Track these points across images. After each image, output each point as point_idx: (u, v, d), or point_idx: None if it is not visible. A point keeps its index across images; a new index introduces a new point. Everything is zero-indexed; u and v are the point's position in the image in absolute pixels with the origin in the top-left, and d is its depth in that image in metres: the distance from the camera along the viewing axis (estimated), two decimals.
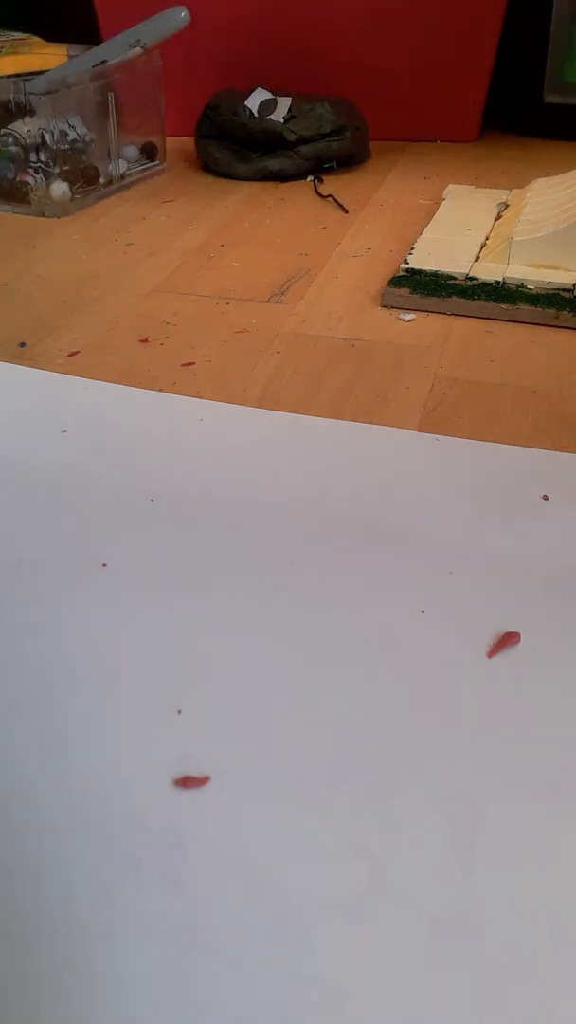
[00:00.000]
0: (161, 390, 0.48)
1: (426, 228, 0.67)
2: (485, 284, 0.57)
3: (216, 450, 0.42)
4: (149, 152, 0.88)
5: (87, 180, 0.79)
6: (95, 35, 0.96)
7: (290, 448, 0.42)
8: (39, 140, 0.74)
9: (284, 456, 0.41)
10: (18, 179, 0.77)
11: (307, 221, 0.75)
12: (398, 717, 0.28)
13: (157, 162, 0.89)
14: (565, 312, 0.54)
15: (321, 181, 0.85)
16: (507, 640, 0.31)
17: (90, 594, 0.33)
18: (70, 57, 0.86)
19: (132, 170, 0.85)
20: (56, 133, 0.74)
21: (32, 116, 0.74)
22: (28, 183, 0.76)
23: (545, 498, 0.38)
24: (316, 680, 0.29)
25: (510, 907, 0.23)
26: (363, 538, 0.36)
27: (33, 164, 0.76)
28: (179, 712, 0.28)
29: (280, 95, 0.87)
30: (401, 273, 0.60)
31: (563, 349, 0.52)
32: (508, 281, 0.57)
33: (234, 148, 0.87)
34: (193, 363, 0.51)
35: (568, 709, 0.28)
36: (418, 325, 0.55)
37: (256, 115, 0.86)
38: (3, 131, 0.76)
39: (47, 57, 0.87)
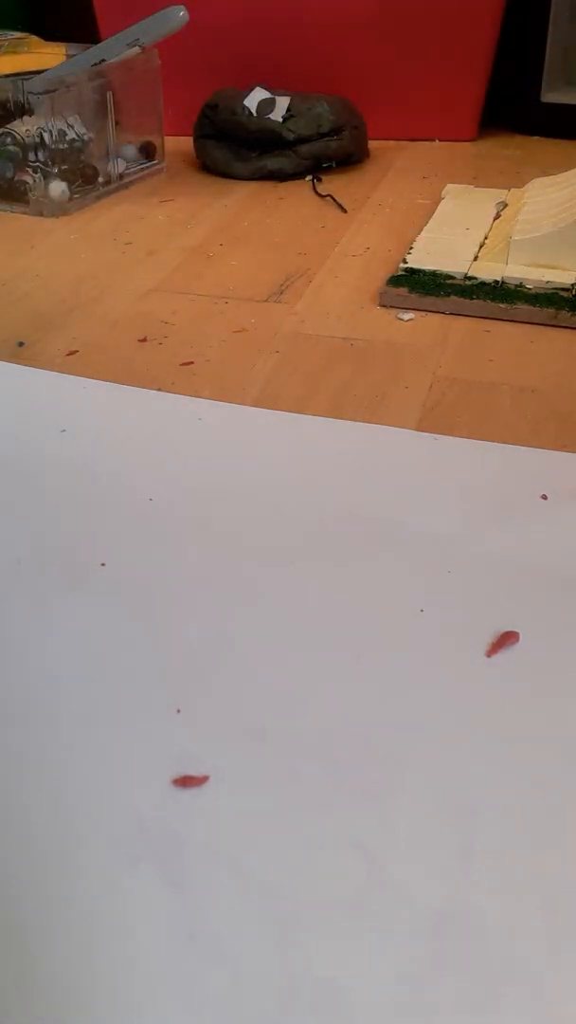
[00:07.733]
0: (160, 389, 0.48)
1: (425, 227, 0.67)
2: (484, 283, 0.57)
3: (214, 450, 0.42)
4: (148, 151, 0.88)
5: (86, 179, 0.79)
6: (94, 34, 0.96)
7: (289, 448, 0.42)
8: (38, 139, 0.74)
9: (283, 456, 0.41)
10: (17, 178, 0.77)
11: (306, 220, 0.75)
12: (397, 716, 0.28)
13: (156, 161, 0.89)
14: (564, 311, 0.54)
15: (320, 180, 0.85)
16: (506, 640, 0.31)
17: (89, 593, 0.33)
18: (68, 56, 0.86)
19: (131, 169, 0.85)
20: (55, 132, 0.74)
21: (31, 115, 0.74)
22: (27, 182, 0.76)
23: (544, 498, 0.38)
24: (315, 680, 0.29)
25: (509, 906, 0.23)
26: (362, 538, 0.36)
27: (32, 163, 0.76)
28: (179, 712, 0.28)
29: (279, 94, 0.87)
30: (400, 272, 0.60)
31: (562, 349, 0.52)
32: (507, 280, 0.57)
33: (233, 147, 0.87)
34: (192, 363, 0.51)
35: (568, 709, 0.28)
36: (417, 324, 0.55)
37: (255, 114, 0.86)
38: (2, 130, 0.75)
39: (45, 56, 0.87)
